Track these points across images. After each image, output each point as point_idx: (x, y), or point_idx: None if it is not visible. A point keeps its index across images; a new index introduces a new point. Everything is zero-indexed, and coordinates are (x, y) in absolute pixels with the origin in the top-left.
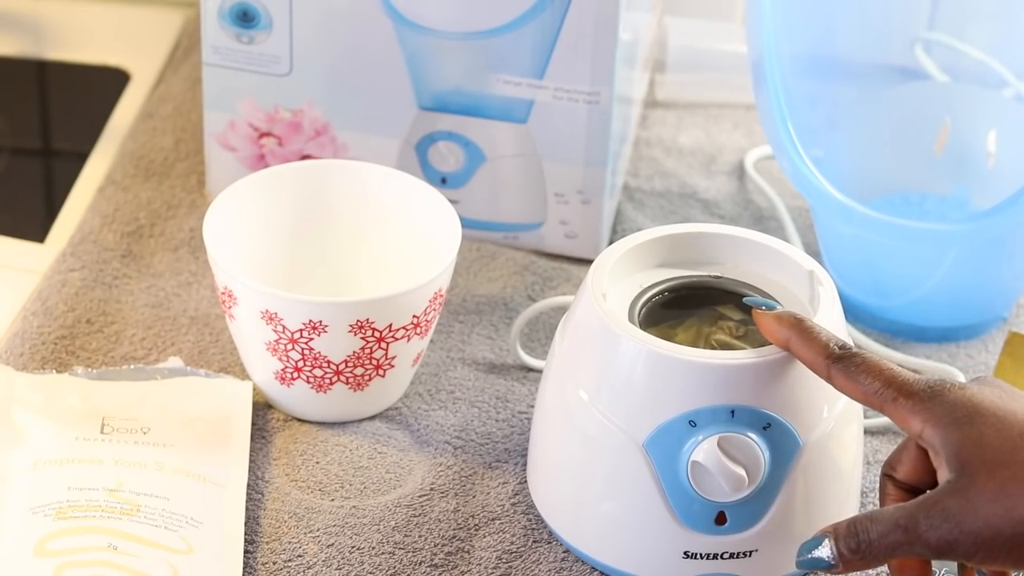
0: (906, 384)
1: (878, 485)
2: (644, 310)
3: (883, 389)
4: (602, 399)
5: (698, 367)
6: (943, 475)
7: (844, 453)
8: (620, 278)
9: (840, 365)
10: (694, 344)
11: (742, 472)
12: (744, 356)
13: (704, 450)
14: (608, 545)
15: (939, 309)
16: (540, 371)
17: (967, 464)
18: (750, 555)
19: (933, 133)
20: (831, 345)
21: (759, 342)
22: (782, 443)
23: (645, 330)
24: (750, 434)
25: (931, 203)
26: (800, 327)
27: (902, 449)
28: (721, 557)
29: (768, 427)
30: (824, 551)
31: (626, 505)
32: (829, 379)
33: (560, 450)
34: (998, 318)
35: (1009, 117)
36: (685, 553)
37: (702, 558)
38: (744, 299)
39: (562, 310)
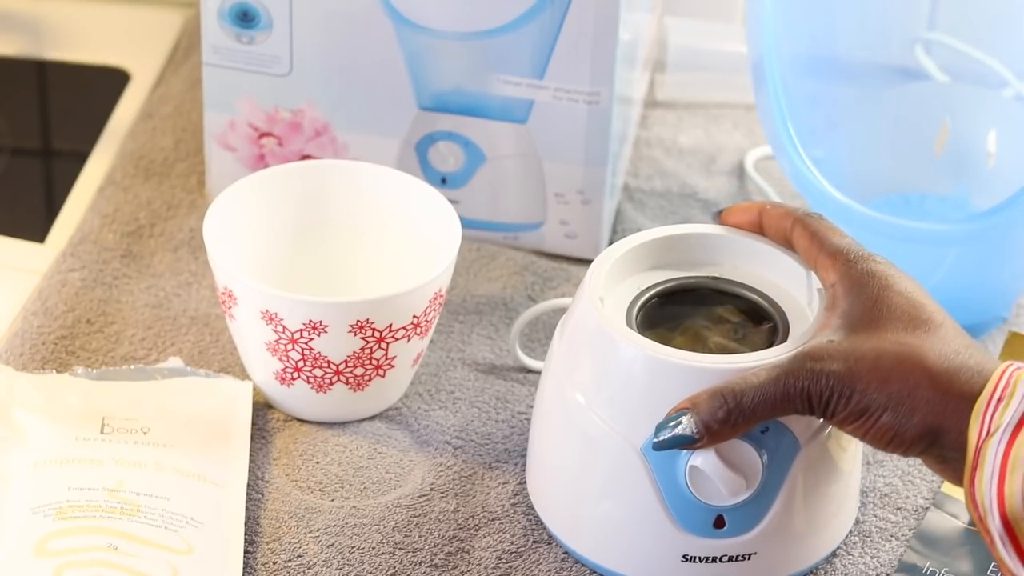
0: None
1: None
2: (642, 312)
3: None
4: (600, 403)
5: (696, 371)
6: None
7: (843, 454)
8: (618, 280)
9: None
10: (692, 347)
11: (740, 477)
12: (742, 359)
13: (702, 455)
14: (607, 548)
15: None
16: (539, 372)
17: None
18: (749, 558)
19: (933, 133)
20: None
21: (757, 345)
22: (780, 446)
23: (643, 333)
24: (748, 438)
25: (931, 203)
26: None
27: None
28: (720, 560)
29: (766, 430)
30: (686, 428)
31: (624, 508)
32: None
33: (558, 453)
34: (998, 318)
35: (1009, 117)
36: (684, 556)
37: (701, 561)
38: None
39: (562, 311)
